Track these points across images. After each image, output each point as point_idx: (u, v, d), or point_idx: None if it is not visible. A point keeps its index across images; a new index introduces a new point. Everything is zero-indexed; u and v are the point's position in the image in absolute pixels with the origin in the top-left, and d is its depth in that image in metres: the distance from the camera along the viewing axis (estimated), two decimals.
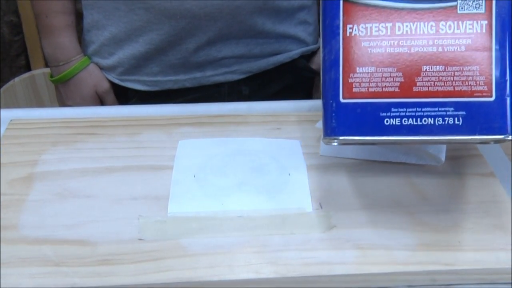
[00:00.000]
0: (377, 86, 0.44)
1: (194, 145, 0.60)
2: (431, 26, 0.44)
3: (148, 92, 0.89)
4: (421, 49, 0.44)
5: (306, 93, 0.98)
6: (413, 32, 0.44)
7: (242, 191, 0.54)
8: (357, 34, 0.44)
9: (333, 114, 0.44)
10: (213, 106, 0.68)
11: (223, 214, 0.51)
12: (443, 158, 0.56)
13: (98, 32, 0.86)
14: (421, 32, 0.44)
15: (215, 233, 0.49)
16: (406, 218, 0.51)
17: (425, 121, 0.43)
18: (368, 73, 0.44)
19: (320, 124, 0.60)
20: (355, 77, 0.44)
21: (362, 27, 0.44)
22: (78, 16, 0.91)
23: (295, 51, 0.91)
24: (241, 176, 0.56)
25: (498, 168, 0.57)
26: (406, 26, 0.44)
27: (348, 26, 0.44)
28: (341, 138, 0.44)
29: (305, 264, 0.46)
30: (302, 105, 0.69)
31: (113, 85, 0.91)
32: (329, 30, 0.44)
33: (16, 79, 1.39)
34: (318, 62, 0.96)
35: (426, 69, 0.44)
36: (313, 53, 0.96)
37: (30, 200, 0.53)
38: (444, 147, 0.58)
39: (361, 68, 0.44)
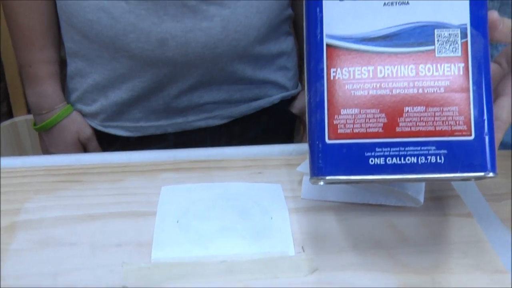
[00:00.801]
0: (361, 127, 0.45)
1: (177, 191, 0.61)
2: (411, 69, 0.45)
3: (130, 137, 0.89)
4: (402, 91, 0.45)
5: (287, 137, 1.00)
6: (394, 75, 0.45)
7: (225, 235, 0.54)
8: (341, 78, 0.45)
9: (320, 155, 0.45)
10: (195, 151, 0.69)
11: (206, 259, 0.51)
12: (421, 200, 0.58)
13: (81, 79, 0.88)
14: (402, 74, 0.45)
15: (199, 279, 0.49)
16: (387, 259, 0.52)
17: (408, 160, 0.44)
18: (352, 114, 0.45)
19: (301, 168, 0.61)
20: (340, 119, 0.45)
21: (345, 70, 0.45)
22: (62, 63, 0.92)
23: (275, 96, 0.92)
24: (224, 220, 0.56)
25: (476, 209, 0.59)
26: (387, 69, 0.45)
27: (332, 69, 0.46)
28: (327, 178, 0.45)
29: None
30: (283, 149, 0.70)
31: (96, 131, 0.91)
32: (313, 73, 0.46)
33: None
34: (298, 106, 0.97)
35: (408, 110, 0.45)
36: (293, 97, 0.97)
37: (13, 249, 0.52)
38: (422, 189, 0.59)
39: (345, 110, 0.45)
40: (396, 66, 0.45)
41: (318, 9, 0.46)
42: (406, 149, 0.45)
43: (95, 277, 0.49)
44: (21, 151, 1.39)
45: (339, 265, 0.51)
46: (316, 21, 0.46)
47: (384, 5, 0.46)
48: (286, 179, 0.63)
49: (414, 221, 0.57)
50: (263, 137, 0.93)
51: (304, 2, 0.47)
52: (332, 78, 0.46)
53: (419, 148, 0.45)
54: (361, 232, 0.55)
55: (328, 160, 0.45)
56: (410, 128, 0.45)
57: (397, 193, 0.58)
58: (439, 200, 0.60)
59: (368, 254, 0.52)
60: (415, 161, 0.45)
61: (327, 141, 0.45)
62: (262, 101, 0.92)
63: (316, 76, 0.46)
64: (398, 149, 0.45)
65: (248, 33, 0.82)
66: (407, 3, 0.46)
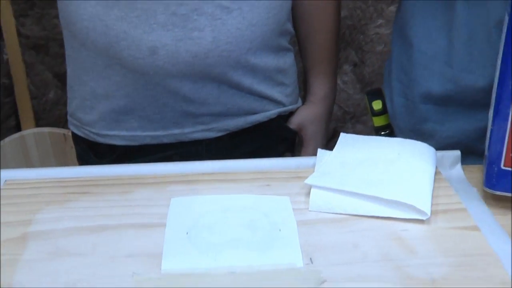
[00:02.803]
0: None
1: (186, 203, 0.61)
2: None
3: (127, 147, 0.90)
4: None
5: (285, 151, 0.99)
6: None
7: (234, 247, 0.55)
8: None
9: (495, 175, 0.61)
10: (203, 164, 0.70)
11: (215, 270, 0.52)
12: (428, 212, 0.58)
13: (79, 87, 0.89)
14: None
15: None
16: (394, 272, 0.52)
17: None
18: None
19: (309, 180, 0.62)
20: None
21: None
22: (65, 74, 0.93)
23: (272, 111, 0.92)
24: (233, 232, 0.57)
25: (482, 222, 0.59)
26: None
27: None
28: (497, 192, 0.61)
29: None
30: (290, 162, 0.71)
31: (94, 143, 0.92)
32: (501, 114, 0.59)
33: (6, 139, 1.40)
34: (296, 121, 0.97)
35: None
36: (291, 113, 0.98)
37: (24, 259, 0.53)
38: (429, 201, 0.60)
39: None
40: None
41: None
42: None
43: (106, 287, 0.50)
44: (28, 164, 1.40)
45: (347, 277, 0.51)
46: (510, 73, 0.57)
47: None
48: (294, 191, 0.64)
49: (421, 234, 0.57)
50: (261, 152, 0.93)
51: (501, 55, 0.58)
52: None
53: None
54: (368, 244, 0.56)
55: (501, 180, 0.60)
56: None
57: (404, 206, 0.59)
58: (445, 213, 0.60)
59: (376, 267, 0.53)
60: None
61: (502, 167, 0.60)
62: (258, 115, 0.92)
63: (503, 116, 0.59)
64: None
65: (240, 45, 0.83)
66: None
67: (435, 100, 0.79)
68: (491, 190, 0.62)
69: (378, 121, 0.92)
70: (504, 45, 0.58)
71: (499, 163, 0.60)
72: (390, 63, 0.88)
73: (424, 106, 0.81)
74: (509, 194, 0.61)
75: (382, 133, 0.92)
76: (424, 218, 0.58)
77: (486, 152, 0.62)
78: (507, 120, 0.58)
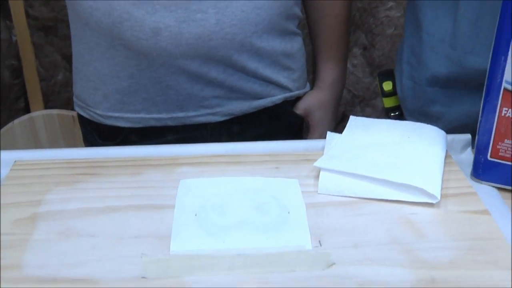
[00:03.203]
0: None
1: (195, 185, 0.61)
2: None
3: (132, 129, 0.90)
4: None
5: (291, 137, 0.98)
6: None
7: (242, 229, 0.55)
8: (510, 116, 0.58)
9: (481, 165, 0.62)
10: (212, 146, 0.70)
11: (223, 252, 0.52)
12: (438, 196, 0.58)
13: (84, 67, 0.89)
14: None
15: (216, 271, 0.50)
16: (404, 255, 0.52)
17: None
18: None
19: (318, 163, 0.62)
20: (502, 145, 0.60)
21: None
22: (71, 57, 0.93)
23: (278, 97, 0.91)
24: (241, 214, 0.57)
25: (492, 206, 0.59)
26: None
27: (504, 108, 0.58)
28: (483, 182, 0.62)
29: None
30: (299, 145, 0.71)
31: (99, 125, 0.92)
32: (489, 107, 0.59)
33: (16, 121, 1.41)
34: (302, 106, 0.96)
35: None
36: (298, 98, 0.97)
37: (33, 239, 0.53)
38: (439, 184, 0.59)
39: (508, 140, 0.59)
40: None
41: (503, 58, 0.56)
42: None
43: (114, 268, 0.50)
44: (37, 145, 1.41)
45: (356, 260, 0.51)
46: (499, 67, 0.57)
47: None
48: (303, 174, 0.64)
49: (430, 217, 0.57)
50: (266, 137, 0.92)
51: (492, 48, 0.58)
52: (502, 114, 0.59)
53: None
54: (378, 227, 0.55)
55: (487, 171, 0.62)
56: None
57: (414, 189, 0.58)
58: (455, 196, 0.60)
59: (385, 250, 0.52)
60: None
61: (489, 158, 0.61)
62: (263, 100, 0.91)
63: (491, 110, 0.59)
64: None
65: (245, 27, 0.82)
66: None
67: (441, 83, 0.79)
68: (477, 180, 0.63)
69: (388, 102, 0.92)
70: (495, 40, 0.57)
71: (486, 154, 0.61)
72: (402, 46, 0.87)
73: (431, 89, 0.80)
74: (494, 185, 0.62)
75: (392, 114, 0.91)
76: (434, 201, 0.58)
77: (476, 142, 0.62)
78: (494, 112, 0.59)
